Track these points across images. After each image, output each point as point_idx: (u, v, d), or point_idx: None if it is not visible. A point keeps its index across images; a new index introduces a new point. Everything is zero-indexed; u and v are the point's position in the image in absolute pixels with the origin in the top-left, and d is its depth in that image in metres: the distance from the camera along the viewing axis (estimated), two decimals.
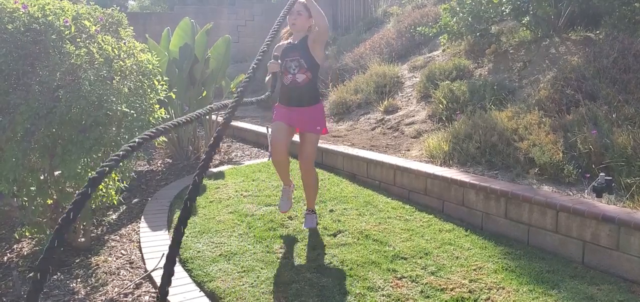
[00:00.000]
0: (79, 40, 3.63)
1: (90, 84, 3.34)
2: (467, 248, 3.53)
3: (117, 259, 3.74)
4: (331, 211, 4.32)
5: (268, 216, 4.25)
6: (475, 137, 4.70)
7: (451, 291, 2.96)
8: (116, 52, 3.75)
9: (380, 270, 3.24)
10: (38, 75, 3.31)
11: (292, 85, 3.70)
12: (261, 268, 3.35)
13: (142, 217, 4.50)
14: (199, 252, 3.64)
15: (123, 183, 3.97)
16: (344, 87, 7.98)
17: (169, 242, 3.92)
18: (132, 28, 4.26)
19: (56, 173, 3.59)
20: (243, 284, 3.14)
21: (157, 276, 3.38)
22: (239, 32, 13.52)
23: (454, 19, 7.03)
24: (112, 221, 4.51)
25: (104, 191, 3.87)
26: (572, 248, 3.36)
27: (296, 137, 3.93)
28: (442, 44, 7.82)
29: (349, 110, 7.45)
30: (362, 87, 7.62)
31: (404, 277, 3.14)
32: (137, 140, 1.78)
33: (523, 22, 6.82)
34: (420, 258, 3.38)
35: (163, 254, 3.67)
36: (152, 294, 3.23)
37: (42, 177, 3.51)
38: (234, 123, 8.21)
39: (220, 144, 7.24)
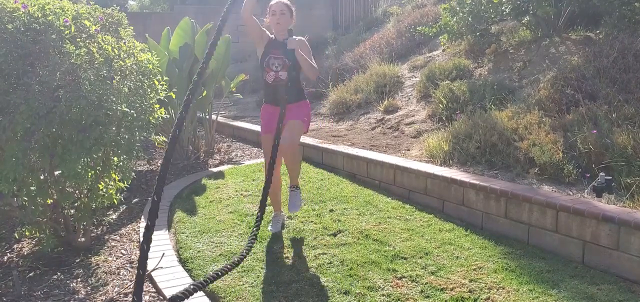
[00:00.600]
0: (79, 40, 3.63)
1: (90, 83, 3.34)
2: (467, 248, 3.53)
3: (117, 258, 3.74)
4: (331, 210, 4.32)
5: (268, 215, 4.24)
6: (475, 137, 4.70)
7: (451, 290, 2.96)
8: (116, 52, 3.75)
9: (380, 270, 3.24)
10: (38, 75, 3.31)
11: (276, 83, 3.67)
12: (261, 268, 3.35)
13: (142, 217, 4.50)
14: (199, 252, 3.64)
15: (124, 183, 3.96)
16: (344, 87, 7.98)
17: (169, 242, 3.93)
18: (132, 28, 4.25)
19: (56, 173, 3.59)
20: (243, 284, 3.14)
21: (157, 276, 3.37)
22: (239, 32, 13.52)
23: (454, 19, 7.03)
24: (112, 220, 4.51)
25: (104, 190, 3.87)
26: (572, 248, 3.36)
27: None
28: (442, 43, 7.82)
29: (349, 110, 7.45)
30: (362, 87, 7.63)
31: (404, 277, 3.14)
32: None
33: (523, 21, 6.83)
34: (420, 258, 3.38)
35: (163, 253, 3.67)
36: (152, 294, 3.23)
37: (42, 177, 3.51)
38: (234, 123, 8.22)
39: (220, 144, 7.24)
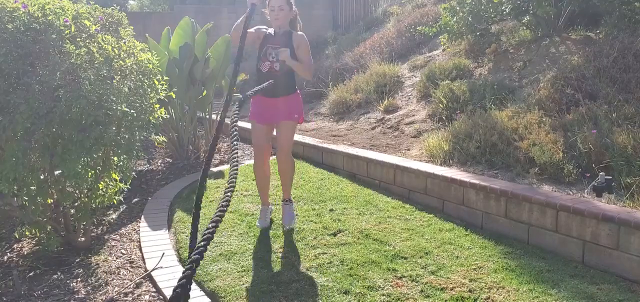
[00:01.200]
0: (79, 39, 3.63)
1: (91, 83, 3.34)
2: (467, 247, 3.53)
3: (117, 258, 3.74)
4: (331, 210, 4.32)
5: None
6: (475, 137, 4.70)
7: (451, 290, 2.96)
8: (116, 51, 3.75)
9: (380, 269, 3.24)
10: (38, 74, 3.31)
11: (270, 73, 3.68)
12: (261, 267, 3.35)
13: (142, 216, 4.50)
14: None
15: (124, 184, 3.96)
16: (344, 86, 7.98)
17: (169, 241, 3.93)
18: (132, 27, 4.25)
19: (56, 172, 3.59)
20: (243, 284, 3.14)
21: (157, 276, 3.38)
22: None
23: (454, 19, 7.03)
24: (112, 220, 4.51)
25: (104, 190, 3.88)
26: (572, 247, 3.36)
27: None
28: (442, 43, 7.82)
29: (349, 109, 7.45)
30: (362, 86, 7.63)
31: (404, 277, 3.14)
32: None
33: (523, 21, 6.83)
34: (420, 257, 3.38)
35: (163, 253, 3.68)
36: (153, 294, 3.23)
37: (42, 177, 3.51)
38: None
39: (220, 144, 7.24)
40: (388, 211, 4.27)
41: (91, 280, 3.41)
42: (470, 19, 6.77)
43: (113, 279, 3.43)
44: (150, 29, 8.86)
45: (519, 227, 3.69)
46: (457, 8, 6.95)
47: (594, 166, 3.97)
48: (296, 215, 4.02)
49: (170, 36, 6.51)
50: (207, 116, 6.82)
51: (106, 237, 4.14)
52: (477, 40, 6.99)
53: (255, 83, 3.77)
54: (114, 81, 3.64)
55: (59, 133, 3.35)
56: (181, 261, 3.58)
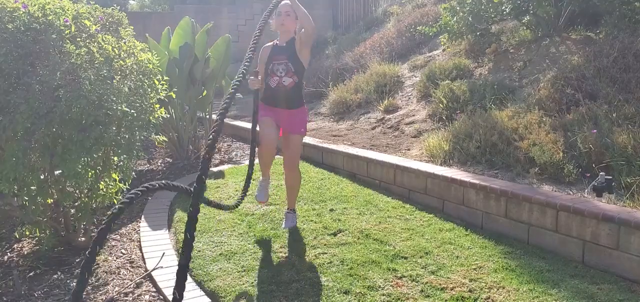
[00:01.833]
0: (79, 39, 3.63)
1: (91, 83, 3.34)
2: (467, 247, 3.53)
3: (117, 258, 3.74)
4: (331, 210, 4.32)
5: (268, 215, 4.25)
6: (475, 137, 4.70)
7: (451, 290, 2.96)
8: (116, 51, 3.75)
9: (380, 269, 3.24)
10: (38, 74, 3.31)
11: (279, 88, 3.72)
12: (261, 267, 3.35)
13: (142, 216, 4.50)
14: (199, 251, 3.64)
15: (124, 184, 3.96)
16: (344, 86, 7.98)
17: (169, 241, 3.93)
18: (132, 27, 4.25)
19: (56, 172, 3.59)
20: (243, 284, 3.14)
21: (157, 276, 3.38)
22: (239, 32, 13.52)
23: (454, 19, 7.03)
24: None
25: (104, 190, 3.87)
26: (572, 247, 3.36)
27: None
28: (442, 43, 7.82)
29: (349, 109, 7.45)
30: (362, 86, 7.63)
31: (404, 277, 3.14)
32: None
33: (523, 21, 6.83)
34: (421, 257, 3.38)
35: (163, 253, 3.68)
36: (153, 294, 3.23)
37: (42, 177, 3.51)
38: (234, 122, 8.21)
39: (220, 144, 7.24)
40: (388, 210, 4.27)
41: (91, 280, 3.41)
42: (470, 19, 6.77)
43: (113, 279, 3.43)
44: (151, 29, 8.87)
45: (519, 227, 3.69)
46: (457, 8, 6.95)
47: (594, 165, 3.97)
48: (296, 222, 4.06)
49: (171, 36, 6.51)
50: (207, 116, 6.82)
51: (106, 237, 4.13)
52: (477, 40, 6.99)
53: (264, 98, 3.83)
54: (114, 81, 3.64)
55: (59, 133, 3.35)
56: None
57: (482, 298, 2.88)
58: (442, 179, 4.25)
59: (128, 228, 4.32)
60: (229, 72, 7.12)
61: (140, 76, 3.92)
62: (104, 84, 3.46)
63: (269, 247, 3.65)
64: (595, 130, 4.17)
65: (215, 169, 6.02)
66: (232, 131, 8.02)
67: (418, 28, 8.49)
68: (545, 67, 5.81)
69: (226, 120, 8.46)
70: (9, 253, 3.87)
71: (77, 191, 3.80)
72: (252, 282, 3.15)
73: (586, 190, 3.77)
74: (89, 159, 3.46)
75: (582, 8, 6.23)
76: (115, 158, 3.81)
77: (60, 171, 3.48)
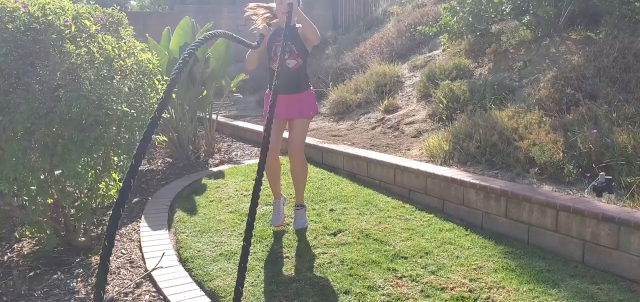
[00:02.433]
0: (79, 39, 3.63)
1: (91, 83, 3.34)
2: (467, 247, 3.53)
3: (117, 258, 3.74)
4: (331, 210, 4.32)
5: (268, 215, 4.25)
6: (475, 137, 4.70)
7: (451, 290, 2.96)
8: (116, 51, 3.75)
9: (380, 269, 3.24)
10: (38, 74, 3.31)
11: (283, 71, 3.65)
12: (261, 267, 3.35)
13: (142, 216, 4.50)
14: (199, 251, 3.64)
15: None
16: (344, 86, 7.98)
17: (169, 241, 3.93)
18: (132, 27, 4.25)
19: (56, 172, 3.59)
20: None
21: (158, 276, 3.38)
22: (239, 32, 13.47)
23: (454, 19, 7.03)
24: None
25: (105, 190, 3.88)
26: (572, 247, 3.36)
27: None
28: (442, 43, 7.82)
29: (349, 109, 7.45)
30: (362, 86, 7.63)
31: (404, 277, 3.14)
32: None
33: (523, 21, 6.83)
34: (421, 257, 3.38)
35: (163, 253, 3.68)
36: (153, 294, 3.23)
37: (42, 177, 3.51)
38: (234, 122, 8.22)
39: (220, 144, 7.25)
40: (388, 210, 4.27)
41: (91, 280, 3.41)
42: (470, 19, 6.77)
43: (113, 279, 3.43)
44: (151, 29, 8.87)
45: (519, 227, 3.69)
46: (457, 8, 6.95)
47: (594, 165, 3.97)
48: (313, 222, 3.99)
49: (170, 36, 6.52)
50: (207, 116, 6.82)
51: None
52: (477, 40, 6.99)
53: (263, 82, 3.79)
54: (114, 81, 3.65)
55: (59, 133, 3.35)
56: (181, 260, 3.58)
57: (482, 298, 2.88)
58: (442, 179, 4.25)
59: (128, 228, 4.32)
60: (229, 72, 7.12)
61: (140, 76, 3.92)
62: (104, 84, 3.46)
63: (269, 247, 3.65)
64: (595, 130, 4.17)
65: (215, 169, 6.02)
66: (232, 131, 8.02)
67: (418, 28, 8.49)
68: (545, 67, 5.81)
69: (226, 120, 8.47)
70: (9, 253, 3.87)
71: (77, 191, 3.80)
72: (252, 282, 3.15)
73: (586, 190, 3.77)
74: (89, 159, 3.46)
75: (582, 8, 6.23)
76: (115, 158, 3.81)
77: (60, 171, 3.48)
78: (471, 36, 7.05)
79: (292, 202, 4.18)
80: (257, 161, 6.29)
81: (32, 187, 3.44)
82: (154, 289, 3.27)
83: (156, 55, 4.45)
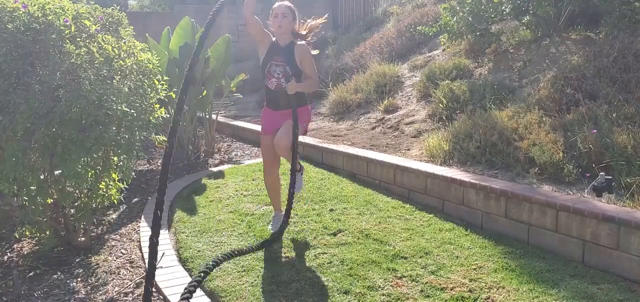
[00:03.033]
0: (79, 39, 3.63)
1: (91, 83, 3.34)
2: (467, 247, 3.53)
3: (117, 258, 3.74)
4: (331, 210, 4.32)
5: (268, 215, 4.25)
6: (475, 137, 4.70)
7: (451, 290, 2.96)
8: (116, 51, 3.75)
9: (380, 269, 3.24)
10: (38, 74, 3.31)
11: (278, 89, 3.68)
12: (261, 267, 3.35)
13: (142, 216, 4.50)
14: (199, 251, 3.64)
15: (124, 183, 3.96)
16: (344, 86, 7.98)
17: (169, 241, 3.93)
18: (132, 27, 4.25)
19: (56, 172, 3.59)
20: (243, 284, 3.14)
21: (157, 276, 3.37)
22: (239, 32, 13.51)
23: (454, 19, 7.03)
24: (112, 220, 4.51)
25: (104, 190, 3.87)
26: (572, 247, 3.36)
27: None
28: (442, 43, 7.82)
29: (349, 109, 7.45)
30: (362, 86, 7.63)
31: (404, 277, 3.14)
32: None
33: (523, 21, 6.83)
34: (420, 257, 3.38)
35: (163, 253, 3.67)
36: (153, 294, 3.22)
37: (42, 177, 3.51)
38: (234, 122, 8.22)
39: (220, 144, 7.25)
40: (388, 210, 4.27)
41: (91, 280, 3.41)
42: (470, 19, 6.77)
43: (113, 279, 3.43)
44: (151, 29, 8.86)
45: (519, 227, 3.69)
46: (457, 8, 6.95)
47: (594, 165, 3.97)
48: (303, 184, 4.10)
49: (170, 36, 6.52)
50: (207, 116, 6.82)
51: (106, 237, 4.14)
52: (477, 40, 6.99)
53: (263, 82, 3.81)
54: (114, 81, 3.65)
55: (59, 133, 3.35)
56: (181, 260, 3.58)
57: (482, 298, 2.88)
58: (442, 179, 4.25)
59: (128, 228, 4.32)
60: (229, 72, 7.12)
61: (140, 76, 3.92)
62: (104, 84, 3.46)
63: (268, 247, 3.65)
64: (595, 130, 4.17)
65: (215, 169, 6.02)
66: (232, 131, 8.02)
67: (418, 28, 8.49)
68: (545, 67, 5.81)
69: (226, 120, 8.47)
70: (9, 253, 3.87)
71: (77, 191, 3.80)
72: (252, 282, 3.15)
73: (586, 190, 3.77)
74: (89, 159, 3.46)
75: (582, 8, 6.23)
76: (115, 158, 3.81)
77: (60, 171, 3.48)
78: (471, 36, 7.05)
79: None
80: (256, 161, 6.31)
81: (32, 187, 3.44)
82: (154, 289, 3.27)
83: (156, 55, 4.44)
